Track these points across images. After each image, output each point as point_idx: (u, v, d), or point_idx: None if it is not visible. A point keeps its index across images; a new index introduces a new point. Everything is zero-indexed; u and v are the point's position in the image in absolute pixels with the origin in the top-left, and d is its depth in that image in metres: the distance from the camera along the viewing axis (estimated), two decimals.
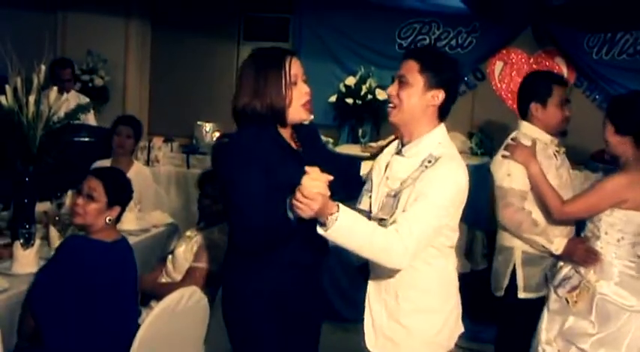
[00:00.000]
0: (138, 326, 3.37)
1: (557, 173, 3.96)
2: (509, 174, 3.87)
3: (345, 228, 2.52)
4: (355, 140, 8.12)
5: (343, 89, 8.21)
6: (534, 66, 8.11)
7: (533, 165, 3.81)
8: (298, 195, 2.45)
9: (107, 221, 3.52)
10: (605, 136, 3.70)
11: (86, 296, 3.31)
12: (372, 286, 2.94)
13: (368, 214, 2.85)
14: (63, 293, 3.30)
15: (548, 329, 3.72)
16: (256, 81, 2.78)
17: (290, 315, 2.91)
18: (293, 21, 8.82)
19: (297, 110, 2.83)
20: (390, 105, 2.87)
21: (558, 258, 3.83)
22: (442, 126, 2.87)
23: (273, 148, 2.77)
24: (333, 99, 8.26)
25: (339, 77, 8.43)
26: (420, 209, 2.65)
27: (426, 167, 2.73)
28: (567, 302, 3.66)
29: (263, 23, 8.99)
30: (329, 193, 2.49)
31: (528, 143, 3.88)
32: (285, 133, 2.89)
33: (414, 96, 2.79)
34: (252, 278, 2.86)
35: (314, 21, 8.65)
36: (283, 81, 2.78)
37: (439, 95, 2.79)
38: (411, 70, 2.80)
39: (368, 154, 6.95)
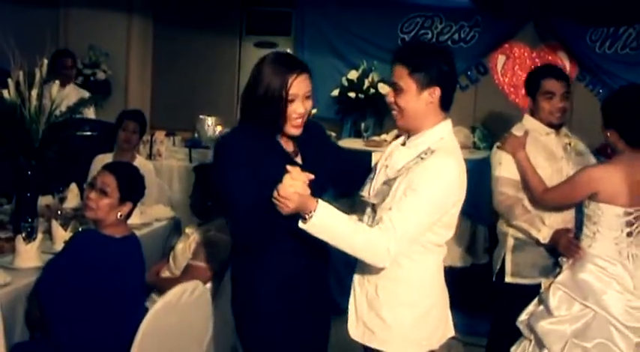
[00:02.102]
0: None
1: (556, 165, 4.05)
2: (500, 163, 4.07)
3: (320, 226, 2.62)
4: (358, 134, 8.10)
5: (346, 83, 8.20)
6: (537, 60, 8.10)
7: (519, 153, 3.97)
8: (275, 193, 2.59)
9: (118, 216, 3.53)
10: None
11: (94, 290, 3.33)
12: (357, 275, 2.99)
13: (364, 199, 2.92)
14: (71, 286, 3.32)
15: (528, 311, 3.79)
16: (260, 87, 2.83)
17: (299, 308, 2.97)
18: (295, 15, 8.81)
19: (287, 126, 2.88)
20: (393, 112, 2.90)
21: (547, 247, 3.93)
22: (448, 122, 2.88)
23: (265, 148, 2.87)
24: (335, 93, 8.26)
25: (341, 71, 8.42)
26: (408, 206, 2.68)
27: (422, 159, 2.75)
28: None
29: (265, 17, 8.99)
30: (308, 191, 2.60)
31: (520, 133, 4.04)
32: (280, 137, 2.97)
33: (411, 101, 2.80)
34: (257, 270, 2.94)
35: (316, 15, 8.64)
36: (283, 99, 2.82)
37: (435, 92, 2.79)
38: (402, 76, 2.81)
39: (371, 148, 6.98)
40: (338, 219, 2.67)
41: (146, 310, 3.59)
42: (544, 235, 3.92)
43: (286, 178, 2.58)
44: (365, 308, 2.92)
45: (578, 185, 3.66)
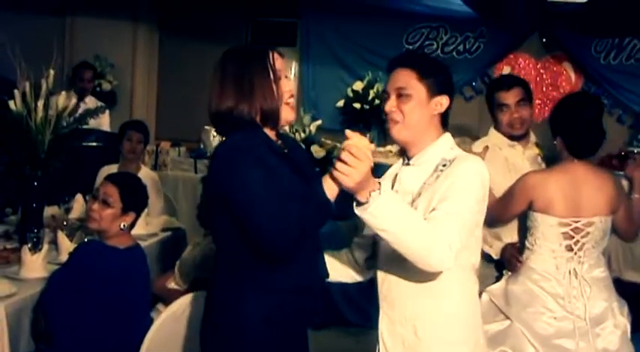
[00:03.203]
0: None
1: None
2: None
3: (387, 208, 2.20)
4: None
5: (351, 94, 8.23)
6: (542, 71, 8.12)
7: None
8: (344, 155, 2.14)
9: (122, 227, 3.53)
10: None
11: (98, 301, 3.32)
12: (384, 321, 2.62)
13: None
14: (75, 298, 3.32)
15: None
16: (240, 81, 2.52)
17: (290, 329, 2.58)
18: (300, 26, 8.84)
19: (283, 109, 2.57)
20: (391, 123, 2.61)
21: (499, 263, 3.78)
22: (448, 135, 2.63)
23: (267, 151, 2.47)
24: (340, 103, 8.29)
25: (346, 82, 8.45)
26: (451, 206, 2.37)
27: (442, 171, 2.49)
28: None
29: (270, 28, 9.01)
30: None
31: (479, 150, 3.76)
32: (273, 138, 2.61)
33: (418, 109, 2.55)
34: (247, 302, 2.49)
35: (321, 26, 8.67)
36: (271, 78, 2.52)
37: (443, 101, 2.57)
38: (409, 80, 2.55)
39: (376, 160, 6.98)
40: (404, 203, 2.32)
41: (151, 321, 3.59)
42: (495, 251, 3.75)
43: (353, 137, 2.17)
44: None
45: (515, 193, 3.47)
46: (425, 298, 2.52)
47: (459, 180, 2.43)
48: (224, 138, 2.65)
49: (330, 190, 2.28)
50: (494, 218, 3.54)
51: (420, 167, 2.58)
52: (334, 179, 2.22)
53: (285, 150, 2.60)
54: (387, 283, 2.61)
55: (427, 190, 2.48)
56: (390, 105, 2.58)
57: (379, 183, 2.20)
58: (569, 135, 3.45)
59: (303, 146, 6.29)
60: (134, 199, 3.61)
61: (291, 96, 2.59)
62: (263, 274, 2.48)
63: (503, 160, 3.91)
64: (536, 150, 4.00)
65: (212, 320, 2.58)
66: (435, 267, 2.34)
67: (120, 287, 3.39)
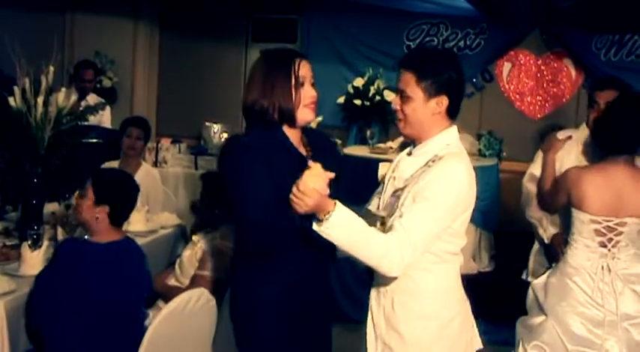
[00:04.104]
0: (143, 327, 3.37)
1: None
2: (534, 160, 4.19)
3: (338, 227, 2.47)
4: (363, 141, 8.12)
5: (351, 90, 8.22)
6: (542, 67, 8.11)
7: (548, 154, 4.02)
8: (294, 189, 2.42)
9: (96, 219, 3.53)
10: None
11: (83, 298, 3.32)
12: (373, 292, 2.86)
13: (373, 213, 2.81)
14: (61, 296, 3.32)
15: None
16: (265, 81, 2.77)
17: (300, 321, 2.86)
18: (301, 22, 8.84)
19: (302, 111, 2.80)
20: (398, 120, 2.80)
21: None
22: (454, 129, 2.79)
23: (278, 150, 2.76)
24: (341, 100, 8.28)
25: (347, 78, 8.45)
26: (418, 213, 2.57)
27: (429, 166, 2.66)
28: None
29: (271, 25, 9.01)
30: (327, 191, 2.46)
31: (562, 137, 4.05)
32: (294, 137, 2.85)
33: (418, 109, 2.71)
34: (259, 283, 2.82)
35: (322, 22, 8.67)
36: (292, 82, 2.76)
37: (442, 101, 2.71)
38: (409, 83, 2.71)
39: (377, 156, 6.98)
40: (355, 223, 2.51)
41: (146, 316, 3.59)
42: (548, 236, 3.97)
43: (307, 174, 2.42)
44: (383, 326, 2.80)
45: (559, 185, 3.64)
46: (403, 276, 2.68)
47: (434, 183, 2.61)
48: (237, 135, 2.91)
49: None
50: (549, 205, 3.83)
51: (417, 158, 2.78)
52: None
53: (305, 151, 2.88)
54: None
55: (412, 184, 2.67)
56: (394, 104, 2.79)
57: (335, 203, 2.46)
58: (594, 133, 3.60)
59: None
60: (106, 192, 3.58)
61: (313, 100, 2.82)
62: (268, 266, 2.79)
63: (578, 154, 4.01)
64: None
65: (232, 302, 2.93)
66: (387, 274, 2.61)
67: (103, 282, 3.37)
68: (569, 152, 3.99)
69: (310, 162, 2.49)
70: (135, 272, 3.59)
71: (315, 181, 2.42)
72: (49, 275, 3.42)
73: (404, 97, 2.73)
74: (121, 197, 3.66)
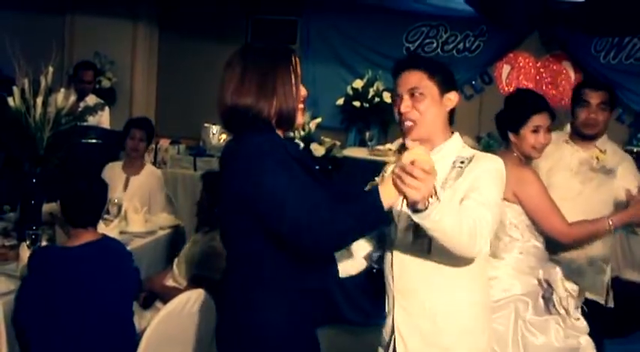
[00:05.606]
0: (132, 325, 3.35)
1: None
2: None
3: (442, 212, 2.19)
4: (362, 143, 8.12)
5: (350, 92, 8.22)
6: (541, 70, 8.11)
7: None
8: (418, 172, 2.06)
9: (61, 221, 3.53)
10: None
11: (62, 303, 3.30)
12: (400, 313, 2.68)
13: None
14: (39, 308, 3.30)
15: None
16: (263, 79, 2.47)
17: (303, 337, 2.54)
18: (301, 24, 8.83)
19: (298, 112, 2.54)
20: (408, 123, 2.65)
21: None
22: (458, 134, 2.75)
23: (286, 155, 2.41)
24: (340, 102, 8.27)
25: (346, 80, 8.44)
26: (482, 196, 2.47)
27: (461, 167, 2.59)
28: None
29: (271, 26, 8.99)
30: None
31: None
32: None
33: (433, 106, 2.63)
34: (268, 302, 2.44)
35: (322, 24, 8.66)
36: (293, 81, 2.50)
37: (452, 97, 2.67)
38: (421, 80, 2.63)
39: (376, 157, 6.97)
40: (450, 202, 2.28)
41: (133, 314, 3.56)
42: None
43: (419, 153, 2.10)
44: (417, 344, 2.65)
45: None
46: (444, 289, 2.61)
47: (485, 174, 2.55)
48: (235, 138, 2.64)
49: (389, 198, 2.20)
50: None
51: (437, 163, 2.49)
52: (398, 188, 2.15)
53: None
54: (405, 278, 2.68)
55: (450, 186, 2.56)
56: (405, 106, 2.65)
57: (434, 188, 2.14)
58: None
59: (302, 144, 6.29)
60: (52, 189, 3.58)
61: (304, 101, 2.57)
62: (285, 274, 2.44)
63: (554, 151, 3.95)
64: (597, 154, 3.98)
65: (229, 320, 2.53)
66: (475, 255, 2.45)
67: (73, 284, 3.33)
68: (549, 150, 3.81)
69: (410, 142, 2.33)
70: (116, 271, 3.50)
71: (429, 160, 2.11)
72: (27, 286, 3.38)
73: (416, 95, 2.63)
74: (65, 198, 3.55)
